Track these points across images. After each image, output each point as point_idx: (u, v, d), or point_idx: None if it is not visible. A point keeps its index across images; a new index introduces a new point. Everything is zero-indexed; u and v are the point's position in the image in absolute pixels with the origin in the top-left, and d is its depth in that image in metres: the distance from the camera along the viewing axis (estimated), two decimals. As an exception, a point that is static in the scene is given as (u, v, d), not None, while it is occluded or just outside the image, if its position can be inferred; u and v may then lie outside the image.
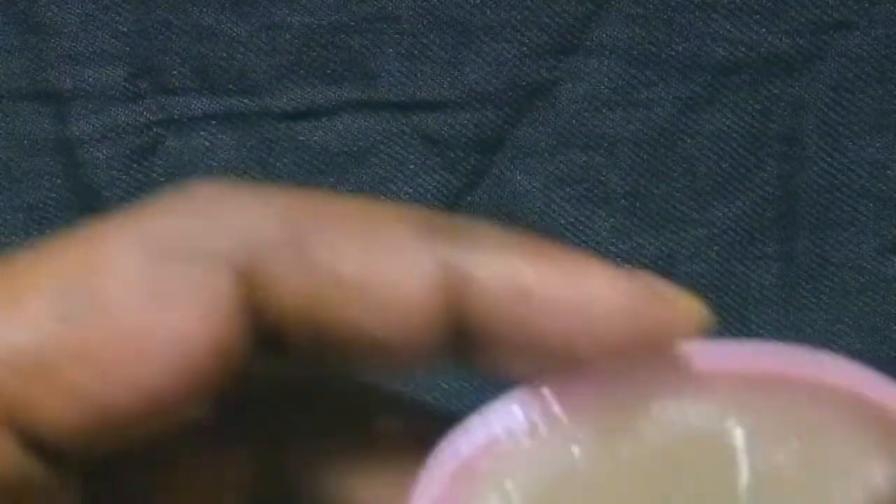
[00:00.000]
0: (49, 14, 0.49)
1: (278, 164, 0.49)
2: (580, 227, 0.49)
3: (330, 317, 0.18)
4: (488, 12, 0.49)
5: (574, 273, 0.18)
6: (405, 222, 0.18)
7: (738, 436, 0.18)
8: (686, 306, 0.18)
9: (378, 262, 0.18)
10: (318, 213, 0.18)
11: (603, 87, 0.49)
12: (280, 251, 0.18)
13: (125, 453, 0.19)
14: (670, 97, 0.49)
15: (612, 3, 0.49)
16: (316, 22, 0.49)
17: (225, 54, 0.49)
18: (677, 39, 0.49)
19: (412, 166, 0.49)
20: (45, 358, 0.18)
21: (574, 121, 0.49)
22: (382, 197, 0.49)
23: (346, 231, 0.18)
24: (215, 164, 0.49)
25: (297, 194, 0.19)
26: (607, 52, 0.49)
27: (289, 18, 0.49)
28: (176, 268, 0.18)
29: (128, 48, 0.49)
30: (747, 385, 0.18)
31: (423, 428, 0.19)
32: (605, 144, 0.49)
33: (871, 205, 0.49)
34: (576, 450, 0.18)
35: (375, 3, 0.49)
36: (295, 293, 0.18)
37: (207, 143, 0.49)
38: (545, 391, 0.18)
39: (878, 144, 0.49)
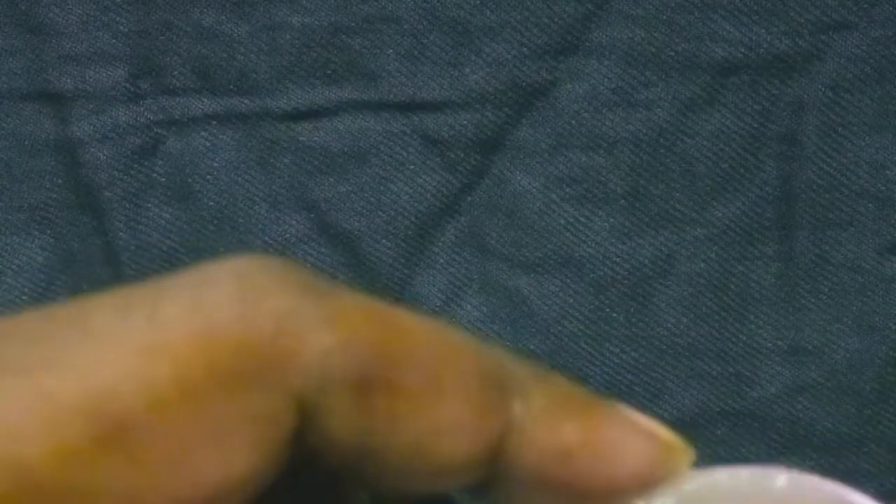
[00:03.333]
0: (50, 15, 0.49)
1: (278, 164, 0.49)
2: (580, 228, 0.49)
3: (376, 458, 0.18)
4: (488, 13, 0.49)
5: (612, 432, 0.19)
6: (469, 373, 0.18)
7: None
8: (688, 454, 0.20)
9: (436, 420, 0.18)
10: (389, 353, 0.18)
11: (603, 87, 0.49)
12: (343, 392, 0.18)
13: None
14: (670, 97, 0.49)
15: (612, 3, 0.49)
16: (316, 22, 0.49)
17: (225, 55, 0.49)
18: (677, 40, 0.49)
19: (412, 166, 0.49)
20: (80, 490, 0.16)
21: (574, 121, 0.49)
22: (382, 198, 0.49)
23: (411, 380, 0.18)
24: (216, 164, 0.49)
25: (370, 320, 0.18)
26: (607, 53, 0.49)
27: (289, 19, 0.49)
28: (236, 390, 0.17)
29: (128, 49, 0.49)
30: None
31: None
32: (605, 145, 0.49)
33: (871, 205, 0.49)
34: None
35: (376, 3, 0.49)
36: (347, 432, 0.18)
37: (208, 144, 0.49)
38: None
39: (877, 145, 0.49)
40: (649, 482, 0.20)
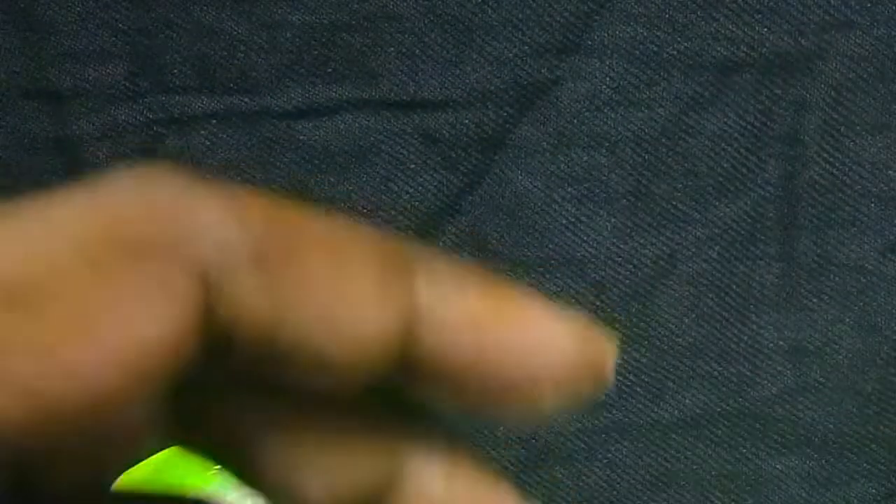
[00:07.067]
0: (49, 13, 0.49)
1: (279, 162, 0.49)
2: (581, 227, 0.49)
3: (285, 337, 0.18)
4: (490, 12, 0.49)
5: (526, 309, 0.19)
6: (370, 254, 0.18)
7: None
8: (610, 348, 0.19)
9: (340, 290, 0.18)
10: (287, 234, 0.18)
11: (604, 86, 0.49)
12: (245, 265, 0.18)
13: (59, 449, 0.18)
14: (672, 97, 0.49)
15: (614, 2, 0.49)
16: (317, 21, 0.49)
17: (225, 53, 0.49)
18: (679, 39, 0.49)
19: (413, 165, 0.49)
20: None
21: (575, 120, 0.49)
22: (383, 197, 0.49)
23: (313, 258, 0.18)
24: (216, 162, 0.49)
25: (265, 206, 0.18)
26: (609, 52, 0.49)
27: (289, 17, 0.49)
28: (138, 260, 0.17)
29: (128, 46, 0.49)
30: None
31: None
32: (607, 144, 0.49)
33: (872, 205, 0.49)
34: None
35: (376, 1, 0.49)
36: (254, 308, 0.18)
37: (208, 142, 0.49)
38: None
39: (879, 144, 0.49)
40: (569, 376, 0.19)
